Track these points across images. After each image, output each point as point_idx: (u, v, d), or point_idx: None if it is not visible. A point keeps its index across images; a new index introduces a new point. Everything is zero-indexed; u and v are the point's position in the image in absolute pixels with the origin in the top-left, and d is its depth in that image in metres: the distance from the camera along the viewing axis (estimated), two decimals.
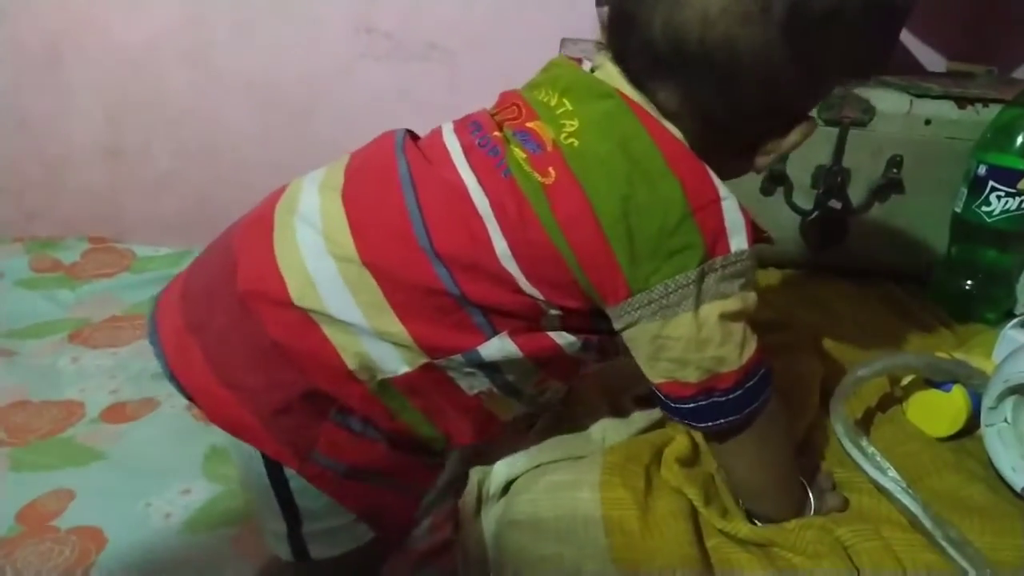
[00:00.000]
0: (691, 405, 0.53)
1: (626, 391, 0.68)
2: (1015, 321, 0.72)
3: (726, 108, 0.52)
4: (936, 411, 0.70)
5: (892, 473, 0.60)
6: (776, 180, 1.00)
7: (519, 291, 0.52)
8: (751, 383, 0.53)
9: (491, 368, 0.54)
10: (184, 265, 1.33)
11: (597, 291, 0.51)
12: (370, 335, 0.51)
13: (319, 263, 0.51)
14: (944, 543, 0.55)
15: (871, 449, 0.63)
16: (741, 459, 0.57)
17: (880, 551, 0.54)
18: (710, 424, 0.54)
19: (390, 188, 0.53)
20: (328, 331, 0.51)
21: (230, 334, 0.53)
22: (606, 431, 0.64)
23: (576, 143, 0.52)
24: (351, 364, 0.51)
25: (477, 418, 0.57)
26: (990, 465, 0.64)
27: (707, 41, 0.48)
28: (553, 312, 0.53)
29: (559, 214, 0.50)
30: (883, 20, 0.52)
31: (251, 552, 0.81)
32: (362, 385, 0.52)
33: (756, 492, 0.58)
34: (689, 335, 0.50)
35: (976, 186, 0.92)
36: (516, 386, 0.56)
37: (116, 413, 1.02)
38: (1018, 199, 0.89)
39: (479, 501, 0.62)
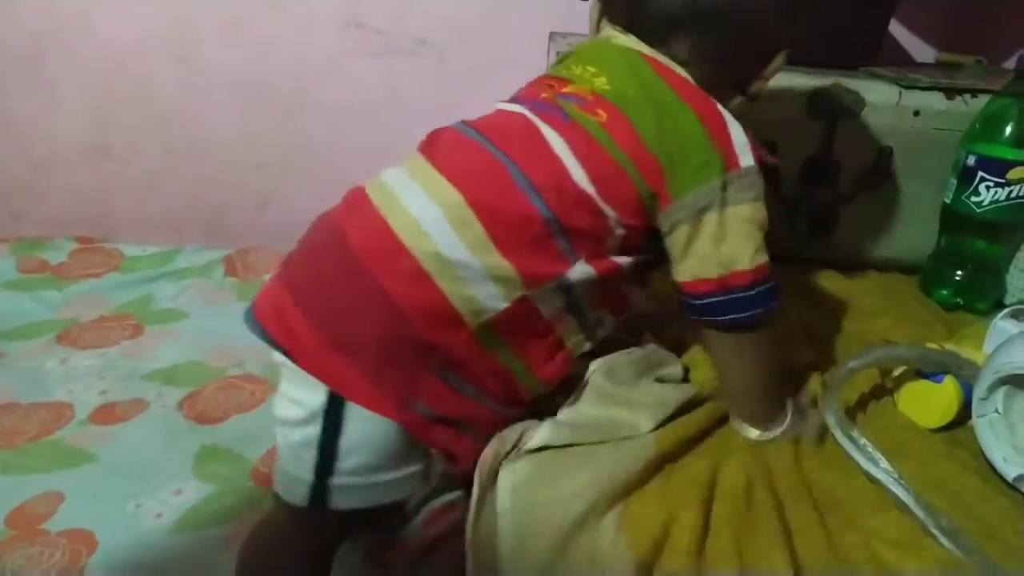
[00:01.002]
0: (709, 300, 0.63)
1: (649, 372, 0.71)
2: (1005, 312, 0.72)
3: (729, 50, 0.67)
4: (927, 402, 0.70)
5: (884, 464, 0.61)
6: (765, 171, 1.00)
7: (598, 212, 0.62)
8: (763, 287, 0.63)
9: (568, 292, 0.63)
10: (172, 264, 1.35)
11: (656, 201, 0.63)
12: (476, 274, 0.58)
13: (426, 212, 0.58)
14: (936, 532, 0.55)
15: (863, 440, 0.63)
16: (739, 357, 0.66)
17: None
18: (723, 317, 0.63)
19: (473, 149, 0.63)
20: (437, 278, 0.57)
21: (341, 294, 0.58)
22: (640, 414, 0.64)
23: (609, 88, 0.64)
24: (459, 307, 0.58)
25: (553, 351, 0.65)
26: (981, 456, 0.64)
27: (718, 1, 0.65)
28: (619, 232, 0.63)
29: (619, 142, 0.62)
30: None
31: None
32: (466, 329, 0.59)
33: (743, 391, 0.67)
34: (712, 231, 0.62)
35: (965, 177, 0.92)
36: (583, 310, 0.65)
37: (106, 414, 1.01)
38: (1007, 189, 0.90)
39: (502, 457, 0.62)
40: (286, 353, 0.59)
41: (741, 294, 0.62)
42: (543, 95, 0.67)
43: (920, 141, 0.98)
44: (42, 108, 1.45)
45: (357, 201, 0.63)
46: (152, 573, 0.79)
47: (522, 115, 0.65)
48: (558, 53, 1.06)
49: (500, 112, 0.68)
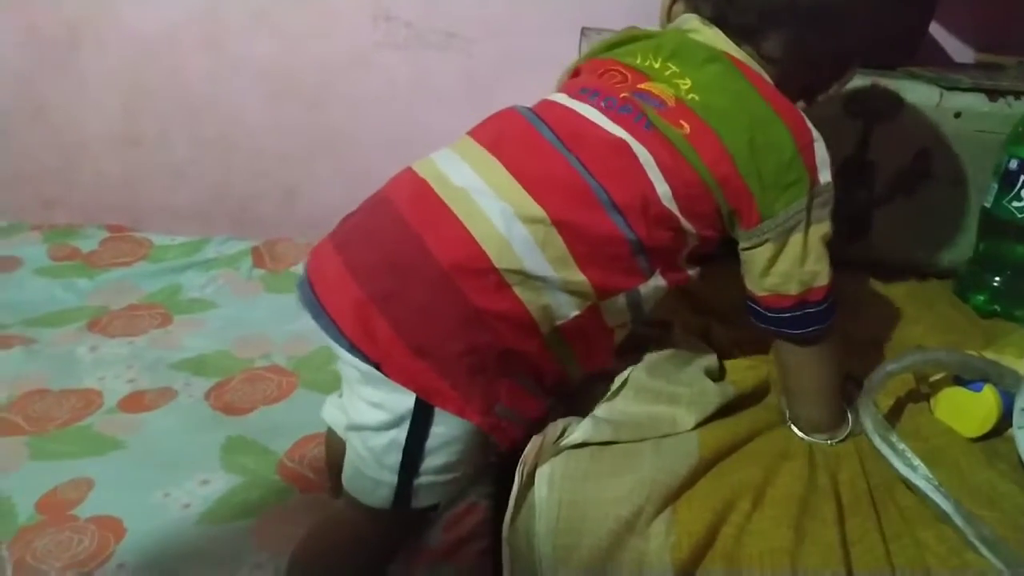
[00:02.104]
0: (787, 315, 0.64)
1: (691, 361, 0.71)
2: None
3: (824, 51, 0.66)
4: (966, 411, 0.68)
5: (923, 470, 0.59)
6: None
7: (678, 228, 0.62)
8: (832, 300, 0.64)
9: (636, 301, 0.64)
10: (201, 254, 1.36)
11: (736, 218, 0.63)
12: (553, 287, 0.59)
13: (511, 228, 0.58)
14: (977, 542, 0.54)
15: (901, 445, 0.62)
16: (809, 366, 0.67)
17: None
18: (802, 332, 0.65)
19: (548, 154, 0.61)
20: (518, 290, 0.58)
21: (429, 307, 0.58)
22: (682, 410, 0.65)
23: (697, 97, 0.62)
24: (536, 316, 0.59)
25: (607, 346, 0.67)
26: (1020, 466, 0.63)
27: None
28: (693, 244, 0.64)
29: (705, 158, 0.61)
30: None
31: (268, 543, 0.81)
32: (540, 336, 0.61)
33: (811, 397, 0.68)
34: (797, 252, 0.62)
35: (1007, 181, 0.90)
36: (643, 312, 0.66)
37: (134, 402, 1.02)
38: None
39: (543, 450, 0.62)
40: (369, 361, 0.59)
41: (814, 309, 0.64)
42: (621, 93, 0.63)
43: (960, 143, 0.96)
44: (74, 96, 1.46)
45: (428, 200, 0.61)
46: (179, 562, 0.79)
47: (600, 125, 0.62)
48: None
49: (573, 112, 0.64)
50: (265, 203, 1.53)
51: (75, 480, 0.87)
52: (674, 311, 0.79)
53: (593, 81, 0.67)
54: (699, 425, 0.63)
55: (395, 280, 0.59)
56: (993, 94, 0.95)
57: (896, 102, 0.95)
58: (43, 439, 0.94)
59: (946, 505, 0.56)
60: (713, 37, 0.65)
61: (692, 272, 0.66)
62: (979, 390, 0.68)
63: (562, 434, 0.62)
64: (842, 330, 0.67)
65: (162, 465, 0.90)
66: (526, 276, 0.58)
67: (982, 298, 0.95)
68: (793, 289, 0.63)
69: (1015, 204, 0.90)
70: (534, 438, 0.61)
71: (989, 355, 0.69)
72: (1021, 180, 0.89)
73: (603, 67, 0.67)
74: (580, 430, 0.61)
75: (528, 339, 0.60)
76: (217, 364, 1.11)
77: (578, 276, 0.59)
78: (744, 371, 0.72)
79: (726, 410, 0.66)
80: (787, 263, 0.62)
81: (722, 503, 0.56)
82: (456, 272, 0.58)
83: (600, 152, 0.61)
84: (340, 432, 0.71)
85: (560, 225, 0.58)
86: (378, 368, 0.59)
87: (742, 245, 0.65)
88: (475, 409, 0.59)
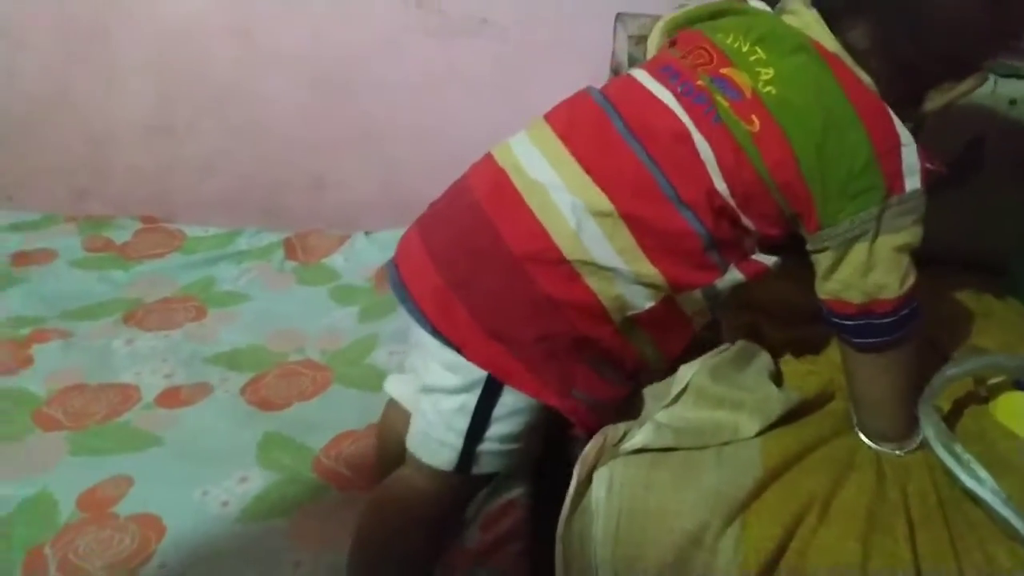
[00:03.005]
0: (850, 323, 0.62)
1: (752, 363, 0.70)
2: None
3: (916, 47, 0.60)
4: None
5: (991, 484, 0.57)
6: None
7: (737, 222, 0.61)
8: (905, 311, 0.61)
9: (715, 294, 0.63)
10: (233, 246, 1.36)
11: (799, 220, 0.61)
12: (625, 278, 0.60)
13: (582, 221, 0.59)
14: None
15: (966, 456, 0.59)
16: (877, 378, 0.63)
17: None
18: (863, 341, 0.62)
19: (617, 146, 0.61)
20: (589, 280, 0.59)
21: (503, 294, 0.60)
22: (744, 417, 0.63)
23: (774, 91, 0.59)
24: (608, 305, 0.60)
25: (685, 333, 0.66)
26: None
27: None
28: (757, 236, 0.62)
29: (767, 160, 0.58)
30: None
31: (306, 541, 0.81)
32: (612, 324, 0.61)
33: (878, 408, 0.64)
34: (860, 261, 0.59)
35: None
36: (723, 303, 0.65)
37: (170, 397, 1.02)
38: None
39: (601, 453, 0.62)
40: (451, 344, 0.61)
41: (879, 320, 0.60)
42: (699, 79, 0.61)
43: (1015, 132, 0.92)
44: (103, 84, 1.45)
45: (504, 191, 0.62)
46: (219, 561, 0.79)
47: (671, 112, 0.61)
48: (630, 36, 1.03)
49: (648, 95, 0.63)
50: (294, 193, 1.53)
51: (115, 477, 0.88)
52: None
53: (678, 61, 0.65)
54: (761, 432, 0.61)
55: (471, 267, 0.62)
56: None
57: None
58: (82, 434, 0.95)
59: (1016, 520, 0.54)
60: (810, 23, 0.61)
61: (770, 263, 0.64)
62: None
63: (623, 437, 0.61)
64: (922, 339, 0.64)
65: (200, 462, 0.91)
66: (596, 267, 0.59)
67: None
68: (855, 298, 0.60)
69: None
70: (594, 438, 0.60)
71: None
72: None
73: (697, 42, 0.65)
74: (641, 435, 0.60)
75: (600, 327, 0.61)
76: (252, 358, 1.11)
77: (650, 269, 0.60)
78: (805, 376, 0.70)
79: (789, 416, 0.64)
80: (848, 272, 0.60)
81: (791, 517, 0.55)
82: (528, 262, 0.59)
83: (666, 142, 0.60)
84: (407, 403, 0.73)
85: (628, 218, 0.59)
86: (459, 351, 0.61)
87: (807, 247, 0.63)
88: (552, 392, 0.62)
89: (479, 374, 0.62)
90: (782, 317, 0.78)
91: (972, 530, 0.56)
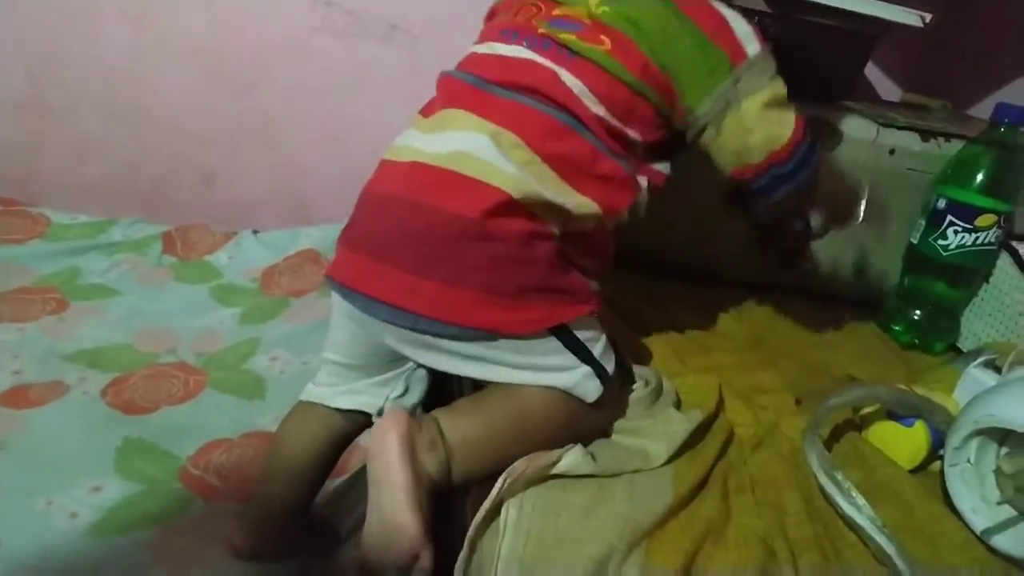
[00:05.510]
0: (763, 181, 0.68)
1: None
2: (979, 361, 0.72)
3: None
4: (896, 444, 0.69)
5: (868, 511, 0.59)
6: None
7: (626, 139, 0.65)
8: (801, 153, 0.68)
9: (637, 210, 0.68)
10: (105, 236, 1.26)
11: (676, 117, 0.67)
12: (568, 210, 0.61)
13: (516, 170, 0.59)
14: None
15: (847, 484, 0.61)
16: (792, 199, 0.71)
17: None
18: (779, 192, 0.69)
19: (504, 103, 0.62)
20: (540, 212, 0.60)
21: (475, 260, 0.58)
22: (652, 443, 0.63)
23: (607, 9, 0.64)
24: (556, 230, 0.61)
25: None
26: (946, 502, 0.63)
27: None
28: (645, 147, 0.67)
29: (631, 68, 0.63)
30: None
31: (169, 559, 0.74)
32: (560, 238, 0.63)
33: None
34: (738, 128, 0.65)
35: (934, 219, 0.93)
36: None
37: (18, 397, 0.92)
38: (974, 235, 0.91)
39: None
40: (484, 334, 0.59)
41: (787, 167, 0.67)
42: (539, 29, 0.65)
43: (893, 180, 0.98)
44: None
45: (423, 171, 0.61)
46: None
47: (532, 62, 0.63)
48: None
49: (504, 59, 0.65)
50: (180, 186, 1.43)
51: None
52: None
53: (510, 21, 0.68)
54: (673, 458, 0.62)
55: (432, 251, 0.59)
56: (926, 134, 0.98)
57: (835, 135, 0.97)
58: None
59: (888, 547, 0.56)
60: None
61: (662, 167, 0.69)
62: (911, 425, 0.69)
63: (554, 462, 0.59)
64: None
65: (47, 469, 0.82)
66: (546, 204, 0.60)
67: (903, 330, 0.98)
68: (755, 158, 0.67)
69: (940, 242, 0.93)
70: (519, 462, 0.57)
71: (919, 390, 0.70)
72: (947, 220, 0.92)
73: (517, 3, 0.69)
74: (566, 460, 0.59)
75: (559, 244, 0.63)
76: (116, 358, 1.02)
77: (582, 199, 0.62)
78: (705, 391, 0.71)
79: (697, 435, 0.65)
80: (733, 141, 0.66)
81: (691, 543, 0.54)
82: (488, 221, 0.58)
83: (544, 88, 0.62)
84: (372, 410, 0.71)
85: (549, 159, 0.61)
86: (496, 336, 0.59)
87: (690, 138, 0.68)
88: (564, 309, 0.62)
89: (553, 345, 0.61)
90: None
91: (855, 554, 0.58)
